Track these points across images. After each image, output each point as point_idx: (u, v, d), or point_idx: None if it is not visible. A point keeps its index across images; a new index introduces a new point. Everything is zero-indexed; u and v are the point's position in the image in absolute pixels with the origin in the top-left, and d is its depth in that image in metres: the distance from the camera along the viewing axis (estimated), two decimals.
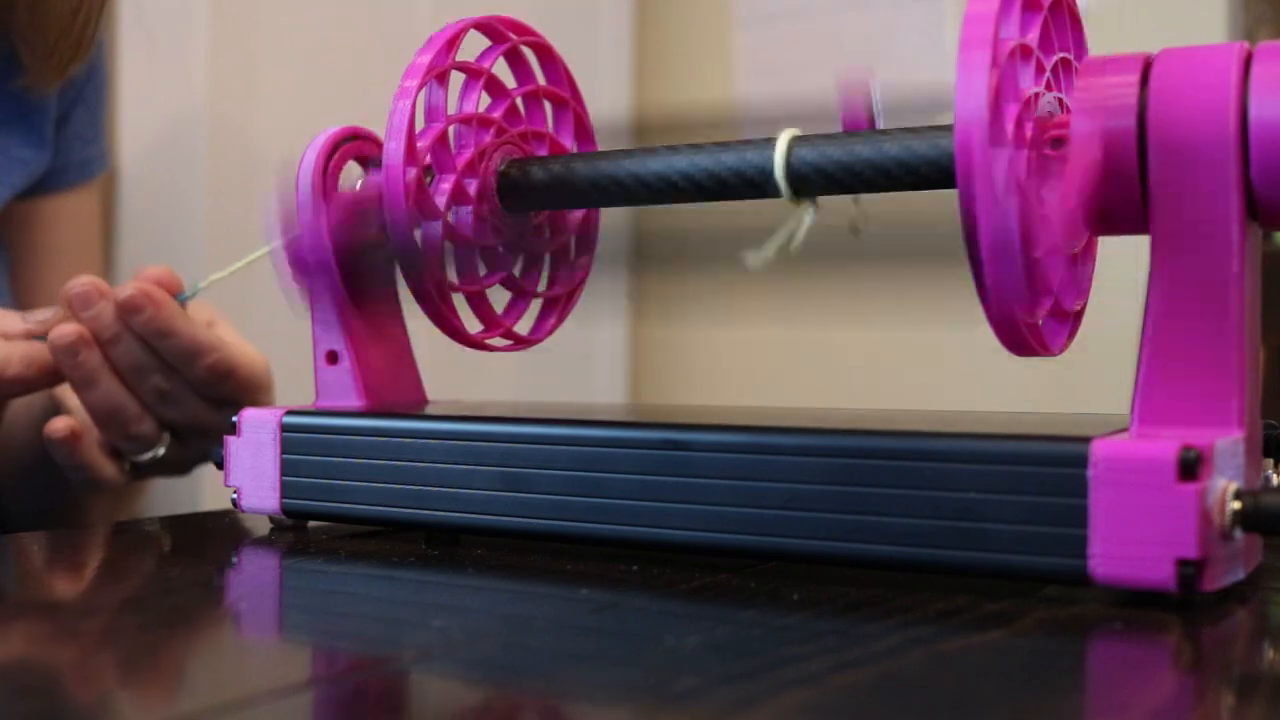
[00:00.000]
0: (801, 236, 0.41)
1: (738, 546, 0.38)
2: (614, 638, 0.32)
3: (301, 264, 0.48)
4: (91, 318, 0.57)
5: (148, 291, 0.56)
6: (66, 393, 0.61)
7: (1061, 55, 0.39)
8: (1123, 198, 0.36)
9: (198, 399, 0.60)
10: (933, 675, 0.28)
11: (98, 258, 0.80)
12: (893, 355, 1.61)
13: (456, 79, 0.47)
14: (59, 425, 0.60)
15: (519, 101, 0.49)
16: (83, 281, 0.57)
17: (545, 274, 0.51)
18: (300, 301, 0.49)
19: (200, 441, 0.62)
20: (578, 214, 0.52)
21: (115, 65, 1.13)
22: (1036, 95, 0.37)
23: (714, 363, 1.76)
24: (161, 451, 0.61)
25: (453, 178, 0.46)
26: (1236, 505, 0.32)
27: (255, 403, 0.61)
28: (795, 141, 0.42)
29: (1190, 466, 0.32)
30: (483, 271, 0.48)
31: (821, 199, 0.42)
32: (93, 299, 0.57)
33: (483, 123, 0.47)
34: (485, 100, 0.48)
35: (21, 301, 0.78)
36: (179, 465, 0.64)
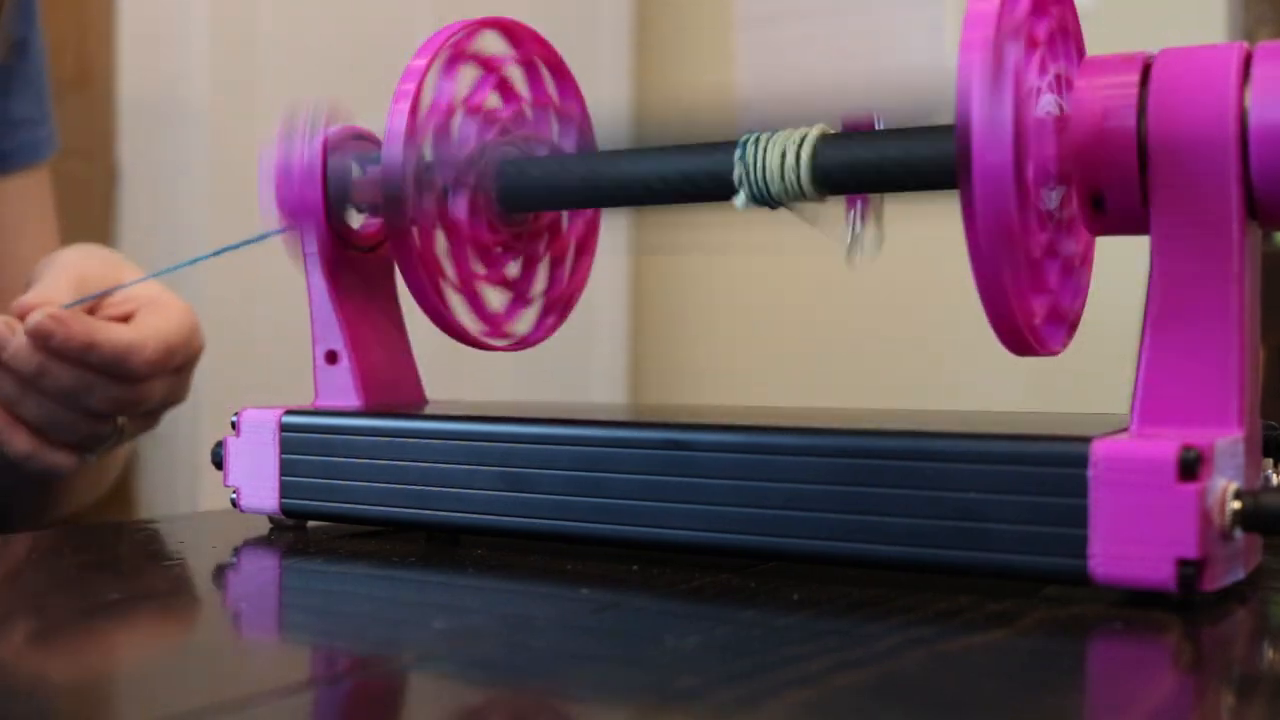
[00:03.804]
0: None
1: (739, 546, 0.38)
2: (614, 638, 0.32)
3: (289, 206, 0.48)
4: (10, 358, 0.57)
5: (53, 314, 0.56)
6: None
7: (1060, 68, 0.39)
8: (1123, 198, 0.36)
9: (147, 384, 0.60)
10: (934, 675, 0.28)
11: (55, 237, 0.80)
12: (892, 354, 1.61)
13: (467, 74, 0.47)
14: None
15: (528, 110, 0.49)
16: None
17: (543, 277, 0.51)
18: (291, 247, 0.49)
19: (163, 406, 0.62)
20: (579, 221, 0.52)
21: (116, 64, 1.13)
22: (1037, 93, 0.37)
23: (714, 362, 1.76)
24: (119, 437, 0.61)
25: (451, 169, 0.46)
26: (1236, 505, 0.32)
27: (194, 351, 0.62)
28: (768, 141, 0.42)
29: (1190, 466, 0.32)
30: (480, 270, 0.48)
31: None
32: (4, 339, 0.57)
33: (488, 118, 0.47)
34: (494, 99, 0.48)
35: None
36: (147, 427, 0.64)
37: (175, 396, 0.63)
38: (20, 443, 0.60)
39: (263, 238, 0.50)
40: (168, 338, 0.60)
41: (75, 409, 0.59)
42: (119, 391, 0.59)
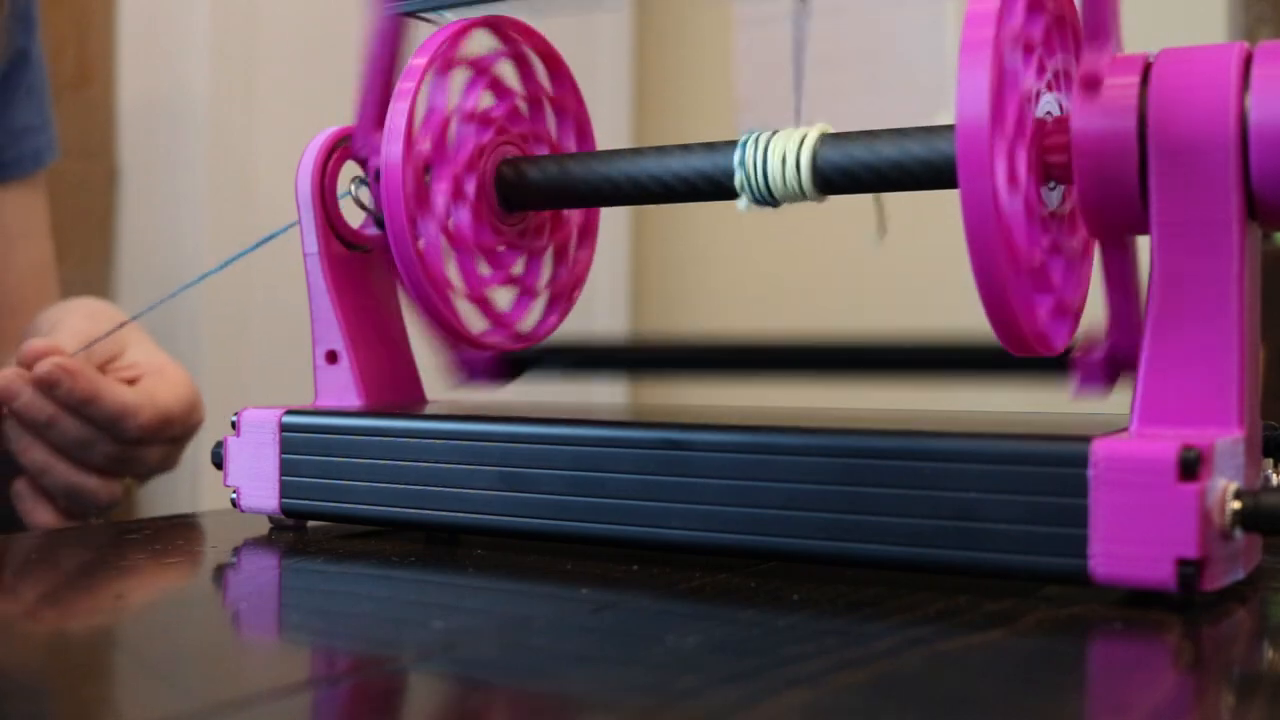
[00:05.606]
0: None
1: (738, 546, 0.38)
2: (614, 637, 0.32)
3: None
4: (23, 407, 0.58)
5: (62, 364, 0.57)
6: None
7: (1062, 59, 0.39)
8: (1123, 198, 0.36)
9: (143, 448, 0.61)
10: (933, 675, 0.28)
11: (49, 248, 0.81)
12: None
13: (459, 78, 0.47)
14: (20, 486, 0.61)
15: (522, 104, 0.49)
16: (4, 375, 0.58)
17: (547, 270, 0.51)
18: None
19: (152, 472, 0.63)
20: (579, 216, 0.52)
21: (116, 64, 1.13)
22: (1037, 94, 0.37)
23: None
24: (116, 504, 0.62)
25: (450, 175, 0.46)
26: (1236, 505, 0.32)
27: (193, 424, 0.63)
28: (769, 140, 0.42)
29: (1190, 466, 0.32)
30: (486, 272, 0.48)
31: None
32: (16, 390, 0.58)
33: (484, 121, 0.47)
34: (486, 99, 0.48)
35: None
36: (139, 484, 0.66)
37: (166, 465, 0.64)
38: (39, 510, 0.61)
39: (269, 239, 0.50)
40: (168, 407, 0.61)
41: (75, 461, 0.60)
42: (116, 450, 0.60)
